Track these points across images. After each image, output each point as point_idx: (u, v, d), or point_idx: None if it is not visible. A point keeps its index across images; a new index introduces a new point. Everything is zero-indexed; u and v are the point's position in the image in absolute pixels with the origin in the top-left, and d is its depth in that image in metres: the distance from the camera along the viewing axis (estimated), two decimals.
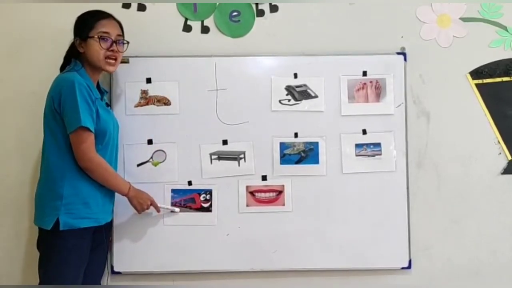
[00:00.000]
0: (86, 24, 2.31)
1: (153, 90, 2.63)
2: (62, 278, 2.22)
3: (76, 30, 2.34)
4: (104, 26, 2.32)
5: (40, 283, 2.28)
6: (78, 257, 2.25)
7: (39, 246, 2.32)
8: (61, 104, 2.21)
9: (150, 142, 2.61)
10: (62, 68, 2.40)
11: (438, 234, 2.69)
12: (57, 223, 2.20)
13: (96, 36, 2.29)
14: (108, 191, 2.38)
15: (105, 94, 2.48)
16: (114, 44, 2.34)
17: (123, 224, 2.60)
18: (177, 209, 2.59)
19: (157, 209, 2.52)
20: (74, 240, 2.23)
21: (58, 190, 2.23)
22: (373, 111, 2.65)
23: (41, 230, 2.29)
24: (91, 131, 2.22)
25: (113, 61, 2.34)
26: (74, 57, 2.35)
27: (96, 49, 2.30)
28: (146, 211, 2.49)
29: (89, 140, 2.23)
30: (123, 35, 2.40)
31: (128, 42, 2.41)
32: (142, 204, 2.45)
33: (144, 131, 2.62)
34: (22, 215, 2.65)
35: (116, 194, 2.44)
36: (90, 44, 2.30)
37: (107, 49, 2.31)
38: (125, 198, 2.47)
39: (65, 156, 2.25)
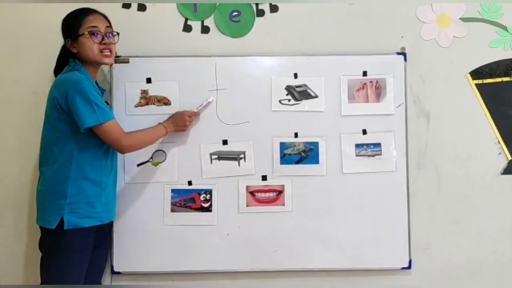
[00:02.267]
0: (73, 23, 2.29)
1: (153, 90, 2.63)
2: (65, 278, 2.22)
3: (64, 31, 2.33)
4: (91, 22, 2.30)
5: (42, 283, 2.28)
6: (81, 256, 2.26)
7: (42, 245, 2.31)
8: (70, 103, 2.19)
9: None
10: (56, 71, 2.39)
11: (438, 234, 2.69)
12: (61, 222, 2.20)
13: (86, 33, 2.28)
14: (111, 190, 2.40)
15: (104, 92, 2.48)
16: (105, 37, 2.32)
17: (123, 224, 2.59)
18: (210, 99, 2.60)
19: (196, 114, 2.58)
20: (79, 240, 2.23)
21: (62, 190, 2.23)
22: (373, 111, 2.64)
23: (44, 230, 2.28)
24: (112, 119, 2.26)
25: (108, 53, 2.33)
26: (71, 58, 2.33)
27: (89, 45, 2.28)
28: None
29: (114, 128, 2.27)
30: (111, 26, 2.38)
31: (118, 33, 2.39)
32: (185, 125, 2.53)
33: None
34: (22, 215, 2.65)
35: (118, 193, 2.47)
36: (81, 42, 2.28)
37: (100, 43, 2.30)
38: (125, 198, 2.47)
39: (69, 155, 2.24)
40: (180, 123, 2.51)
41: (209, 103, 2.59)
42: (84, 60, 2.32)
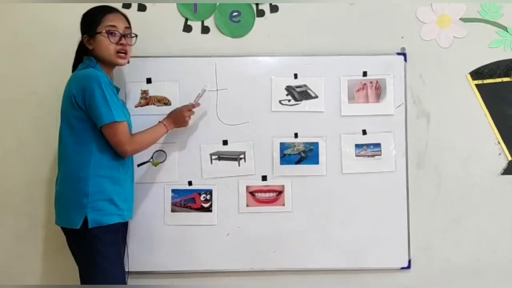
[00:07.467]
0: (93, 20, 2.28)
1: (153, 90, 2.63)
2: (107, 274, 2.20)
3: (83, 27, 2.32)
4: (111, 20, 2.29)
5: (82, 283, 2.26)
6: (115, 250, 2.25)
7: (73, 247, 2.27)
8: (87, 100, 2.17)
9: None
10: (74, 67, 2.38)
11: (438, 234, 2.69)
12: (85, 221, 2.17)
13: (104, 31, 2.27)
14: (128, 188, 2.36)
15: (118, 91, 2.45)
16: (123, 38, 2.32)
17: None
18: (206, 86, 2.54)
19: (194, 106, 2.53)
20: (110, 236, 2.21)
21: (83, 188, 2.19)
22: (373, 111, 2.65)
23: (68, 231, 2.23)
24: (124, 120, 2.24)
25: (123, 55, 2.33)
26: (86, 55, 2.33)
27: (106, 45, 2.27)
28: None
29: (123, 129, 2.24)
30: (130, 27, 2.38)
31: (136, 35, 2.39)
32: (185, 121, 2.49)
33: None
34: (22, 215, 2.65)
35: None
36: (99, 40, 2.27)
37: (117, 43, 2.29)
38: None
39: (87, 153, 2.22)
40: (180, 119, 2.48)
41: (204, 91, 2.53)
42: (98, 58, 2.30)
